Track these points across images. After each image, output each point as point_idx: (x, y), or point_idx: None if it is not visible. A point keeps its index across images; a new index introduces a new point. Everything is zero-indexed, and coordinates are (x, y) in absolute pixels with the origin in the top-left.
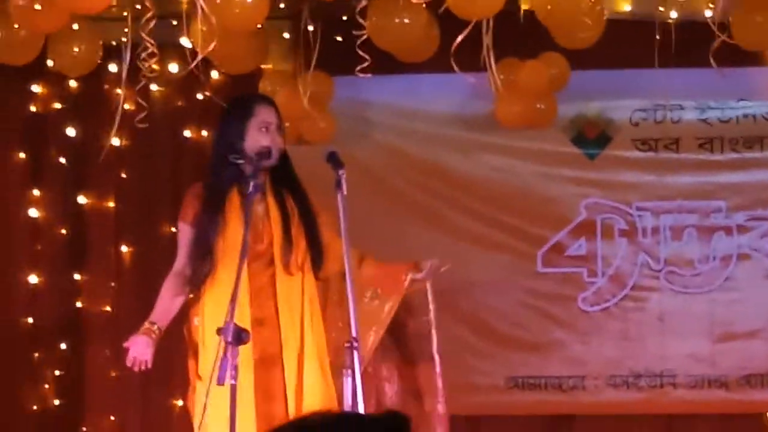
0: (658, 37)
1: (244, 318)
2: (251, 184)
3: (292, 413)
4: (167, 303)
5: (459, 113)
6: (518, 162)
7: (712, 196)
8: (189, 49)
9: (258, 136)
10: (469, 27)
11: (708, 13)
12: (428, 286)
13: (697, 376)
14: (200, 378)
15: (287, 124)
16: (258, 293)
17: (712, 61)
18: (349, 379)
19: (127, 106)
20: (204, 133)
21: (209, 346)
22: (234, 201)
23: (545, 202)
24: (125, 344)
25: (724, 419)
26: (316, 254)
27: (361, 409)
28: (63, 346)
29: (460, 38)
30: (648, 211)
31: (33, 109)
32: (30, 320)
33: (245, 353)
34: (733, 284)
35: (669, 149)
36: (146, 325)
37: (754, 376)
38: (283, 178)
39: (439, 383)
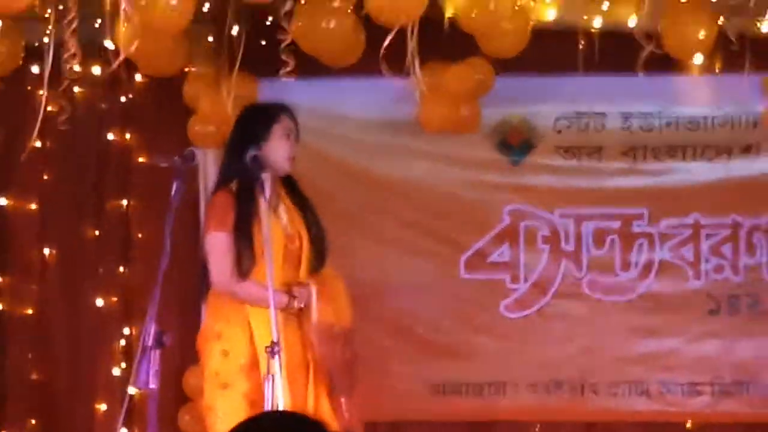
0: (581, 44)
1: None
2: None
3: None
4: (259, 288)
5: (384, 118)
6: (442, 167)
7: (634, 204)
8: (112, 50)
9: (280, 143)
10: (393, 32)
11: (632, 22)
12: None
13: (617, 383)
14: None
15: (211, 128)
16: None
17: (639, 69)
18: (270, 384)
19: (49, 108)
20: (127, 135)
21: (258, 344)
22: (260, 202)
23: (469, 208)
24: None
25: (644, 427)
26: (323, 258)
27: None
28: None
29: (385, 43)
30: (571, 218)
31: None
32: None
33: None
34: (654, 292)
35: (592, 157)
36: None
37: (674, 384)
38: (292, 184)
39: None
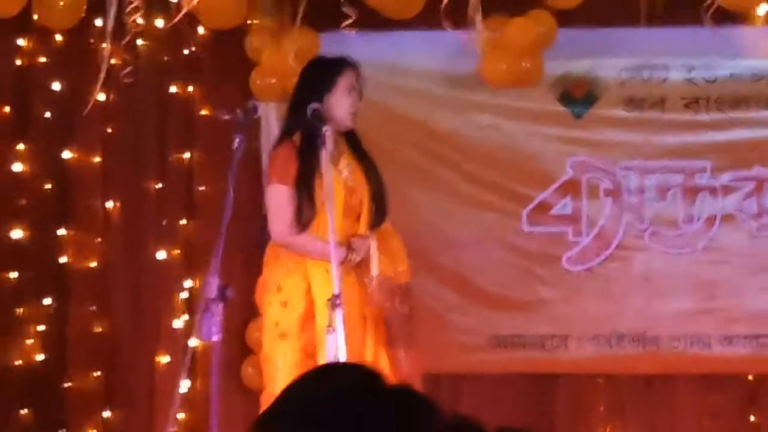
0: None
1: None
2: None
3: None
4: (317, 241)
5: (446, 70)
6: (505, 120)
7: (697, 157)
8: (174, 3)
9: (343, 97)
10: None
11: None
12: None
13: (680, 336)
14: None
15: (273, 80)
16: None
17: (707, 18)
18: (332, 337)
19: (113, 61)
20: (190, 88)
21: (316, 296)
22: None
23: (531, 161)
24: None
25: (706, 379)
26: (383, 214)
27: None
28: (47, 301)
29: None
30: (633, 170)
31: (18, 62)
32: (14, 275)
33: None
34: (717, 245)
35: (655, 109)
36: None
37: (737, 337)
38: (355, 139)
39: None
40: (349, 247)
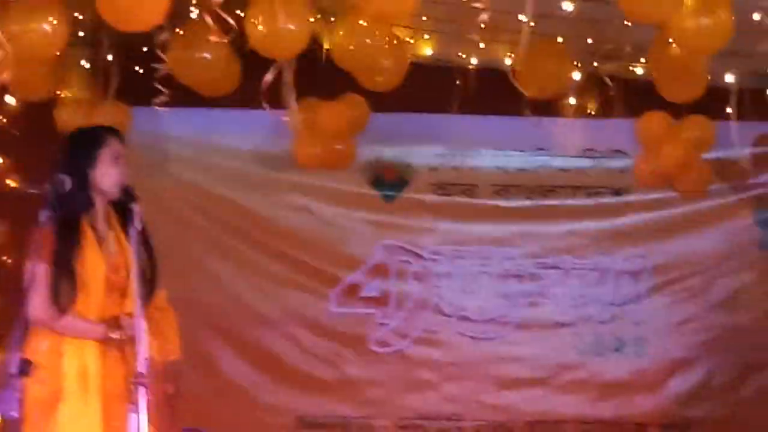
0: (458, 82)
1: (94, 350)
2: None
3: None
4: (74, 320)
5: (258, 150)
6: (316, 201)
7: (506, 243)
8: None
9: (109, 168)
10: (274, 67)
11: (507, 62)
12: None
13: (483, 421)
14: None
15: None
16: (111, 325)
17: (519, 108)
18: (135, 416)
19: None
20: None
21: (69, 375)
22: (86, 230)
23: (341, 243)
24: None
25: None
26: (152, 288)
27: None
28: None
29: (267, 78)
30: (442, 255)
31: None
32: None
33: (93, 385)
34: (522, 332)
35: (466, 195)
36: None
37: (539, 423)
38: (125, 211)
39: None
40: (114, 325)
